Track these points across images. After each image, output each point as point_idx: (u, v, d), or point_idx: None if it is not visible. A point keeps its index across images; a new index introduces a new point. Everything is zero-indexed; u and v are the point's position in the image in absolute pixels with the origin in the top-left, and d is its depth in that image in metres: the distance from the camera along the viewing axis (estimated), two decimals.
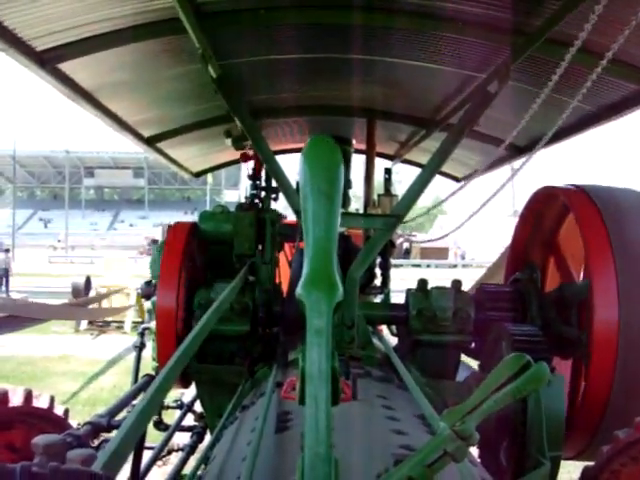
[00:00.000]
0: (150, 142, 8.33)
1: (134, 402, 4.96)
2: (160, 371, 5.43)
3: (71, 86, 5.74)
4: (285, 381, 4.12)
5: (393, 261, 7.37)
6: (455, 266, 69.59)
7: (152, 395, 2.25)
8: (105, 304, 25.21)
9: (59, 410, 4.51)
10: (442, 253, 71.48)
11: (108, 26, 4.97)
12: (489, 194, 6.76)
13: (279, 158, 6.00)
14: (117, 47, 5.25)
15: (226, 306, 4.41)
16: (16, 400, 4.23)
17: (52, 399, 4.49)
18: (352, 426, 2.88)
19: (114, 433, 4.31)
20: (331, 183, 1.37)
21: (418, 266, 63.94)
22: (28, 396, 4.29)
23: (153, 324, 5.64)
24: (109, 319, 25.86)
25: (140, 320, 25.43)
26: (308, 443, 1.27)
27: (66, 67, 5.43)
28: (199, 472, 3.22)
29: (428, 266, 66.35)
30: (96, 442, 4.07)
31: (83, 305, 22.97)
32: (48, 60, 5.07)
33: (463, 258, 77.34)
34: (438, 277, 5.64)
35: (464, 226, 8.05)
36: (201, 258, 5.94)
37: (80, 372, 18.27)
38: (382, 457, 2.12)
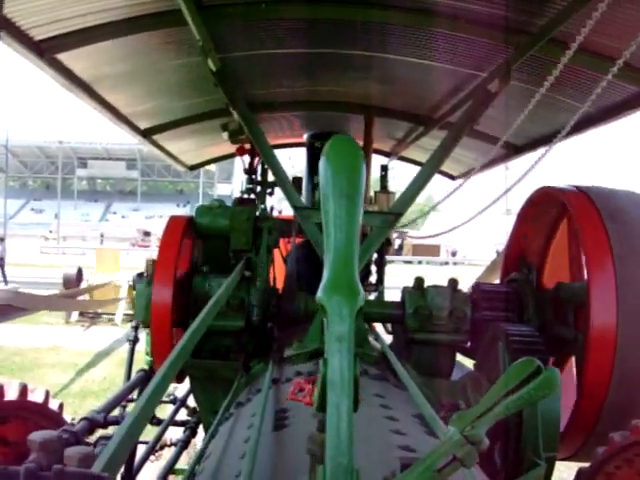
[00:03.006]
0: (146, 134, 8.29)
1: (130, 397, 4.97)
2: (156, 366, 5.41)
3: (69, 77, 5.69)
4: (281, 378, 4.11)
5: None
6: (447, 263, 69.74)
7: (151, 392, 2.22)
8: (96, 296, 25.12)
9: (54, 404, 4.48)
10: (434, 250, 71.62)
11: (108, 16, 4.93)
12: (482, 192, 6.77)
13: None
14: (117, 38, 5.20)
15: (223, 301, 4.38)
16: (11, 394, 4.20)
17: (47, 393, 4.46)
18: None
19: (110, 429, 4.31)
20: (353, 184, 1.34)
21: (410, 263, 63.99)
22: (23, 390, 4.26)
23: None
24: (100, 311, 25.79)
25: (131, 312, 25.38)
26: (330, 453, 1.24)
27: (64, 57, 5.38)
28: (196, 468, 3.19)
29: (420, 262, 66.46)
30: (92, 438, 4.04)
31: (74, 296, 22.87)
32: (47, 50, 5.02)
33: (454, 255, 77.51)
34: (429, 275, 5.61)
35: (455, 223, 8.04)
36: (197, 252, 5.91)
37: (70, 363, 18.22)
38: (386, 460, 2.09)
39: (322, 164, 1.36)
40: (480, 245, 74.50)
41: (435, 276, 5.97)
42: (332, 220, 1.31)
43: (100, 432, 4.20)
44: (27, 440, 2.35)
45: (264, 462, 2.56)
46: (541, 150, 7.28)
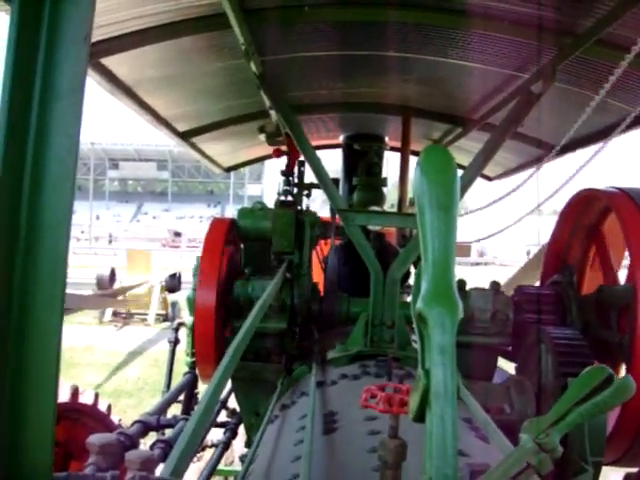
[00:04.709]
0: (184, 136, 8.35)
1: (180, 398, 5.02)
2: (199, 367, 5.43)
3: (113, 80, 5.74)
4: (326, 381, 4.12)
5: None
6: (478, 264, 69.33)
7: (210, 397, 2.25)
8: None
9: (102, 406, 4.55)
10: (465, 250, 71.19)
11: (152, 21, 4.96)
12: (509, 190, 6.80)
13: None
14: (161, 42, 5.24)
15: (268, 304, 4.41)
16: (63, 396, 4.27)
17: (97, 395, 4.53)
18: (403, 430, 2.85)
19: (169, 432, 4.35)
20: (449, 196, 1.35)
21: None
22: (74, 392, 4.33)
23: (188, 320, 5.66)
24: (133, 311, 26.03)
25: (164, 313, 25.64)
26: (436, 463, 1.25)
27: (109, 61, 5.43)
28: (247, 470, 3.20)
29: None
30: (144, 441, 4.10)
31: (108, 297, 23.12)
32: (92, 54, 5.05)
33: (482, 255, 77.11)
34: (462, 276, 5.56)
35: (485, 223, 8.00)
36: (238, 254, 5.95)
37: (104, 363, 18.42)
38: None
39: (417, 175, 1.37)
40: (511, 245, 73.98)
41: (471, 278, 5.91)
42: (429, 232, 1.32)
43: (150, 434, 4.28)
44: (86, 443, 2.39)
45: (319, 465, 2.57)
46: (580, 151, 7.26)
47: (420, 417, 1.33)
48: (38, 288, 1.16)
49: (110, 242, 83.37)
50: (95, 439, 2.43)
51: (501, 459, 1.49)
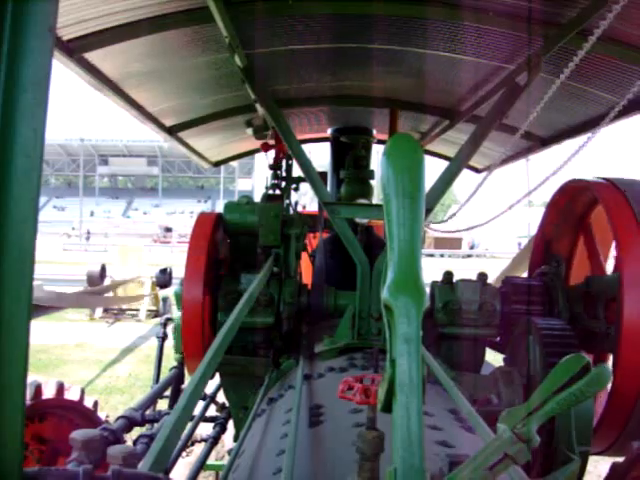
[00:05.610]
0: (171, 131, 8.32)
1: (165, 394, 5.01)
2: (187, 362, 5.42)
3: (97, 76, 5.71)
4: (313, 374, 4.12)
5: None
6: (469, 256, 69.46)
7: (192, 391, 2.24)
8: (120, 292, 25.22)
9: (89, 402, 4.54)
10: (456, 243, 71.35)
11: (136, 15, 4.94)
12: (502, 183, 6.78)
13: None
14: (144, 36, 5.21)
15: (254, 298, 4.40)
16: (48, 392, 4.26)
17: (82, 391, 4.51)
18: (388, 422, 2.85)
19: (155, 427, 4.34)
20: (415, 184, 1.34)
21: (432, 256, 63.60)
22: (60, 388, 4.31)
23: (175, 315, 5.64)
24: (124, 307, 25.94)
25: (155, 308, 25.58)
26: (402, 454, 1.24)
27: (93, 56, 5.39)
28: (232, 464, 3.20)
29: (442, 256, 66.18)
30: (130, 436, 4.09)
31: (98, 293, 23.00)
32: (75, 49, 5.03)
33: (472, 248, 77.23)
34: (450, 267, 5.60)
35: (476, 215, 8.01)
36: (225, 248, 5.93)
37: (95, 360, 18.34)
38: (428, 457, 2.09)
39: (383, 164, 1.36)
40: (502, 237, 74.13)
41: (457, 269, 5.92)
42: (395, 220, 1.31)
43: (136, 429, 4.26)
44: (69, 439, 2.37)
45: (304, 458, 2.57)
46: (567, 142, 7.27)
47: (388, 407, 1.33)
48: (5, 285, 1.15)
49: (88, 239, 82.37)
50: (78, 435, 2.41)
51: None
